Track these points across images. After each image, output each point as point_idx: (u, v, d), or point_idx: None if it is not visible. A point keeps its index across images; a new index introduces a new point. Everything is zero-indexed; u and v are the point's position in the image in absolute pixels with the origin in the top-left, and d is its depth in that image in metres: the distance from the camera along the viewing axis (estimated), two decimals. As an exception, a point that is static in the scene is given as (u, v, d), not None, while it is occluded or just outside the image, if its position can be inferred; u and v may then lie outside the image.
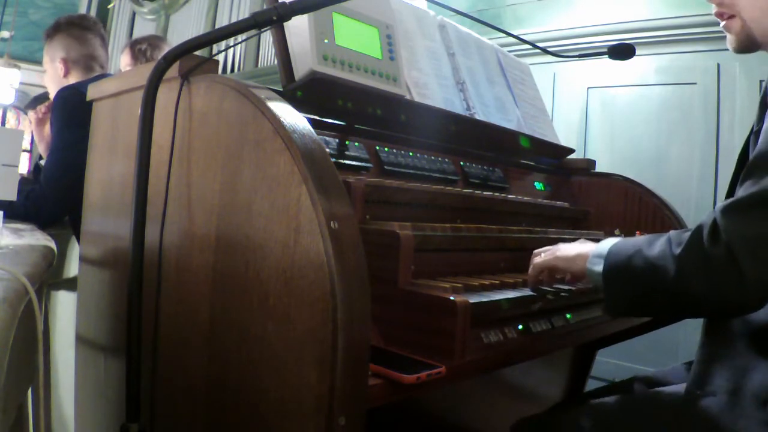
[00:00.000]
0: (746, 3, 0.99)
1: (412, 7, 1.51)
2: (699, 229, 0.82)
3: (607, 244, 0.94)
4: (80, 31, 2.05)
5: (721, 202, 0.84)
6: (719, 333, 0.96)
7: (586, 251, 0.97)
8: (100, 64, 2.10)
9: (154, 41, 2.32)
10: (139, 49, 2.24)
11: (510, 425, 1.17)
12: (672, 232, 0.87)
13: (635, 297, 0.90)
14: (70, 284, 1.87)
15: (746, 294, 0.79)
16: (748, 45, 1.02)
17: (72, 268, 1.90)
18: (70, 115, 1.76)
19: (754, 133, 0.91)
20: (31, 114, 3.00)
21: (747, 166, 0.84)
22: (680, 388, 1.03)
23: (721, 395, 0.90)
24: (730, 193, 1.00)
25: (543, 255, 1.06)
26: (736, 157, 1.02)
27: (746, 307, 0.85)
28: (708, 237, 0.80)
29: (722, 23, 1.04)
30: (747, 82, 2.64)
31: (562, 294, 1.10)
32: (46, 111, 2.05)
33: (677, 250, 0.83)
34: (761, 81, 2.60)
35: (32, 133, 3.07)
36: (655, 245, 0.86)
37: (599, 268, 0.93)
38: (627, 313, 0.96)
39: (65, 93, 1.83)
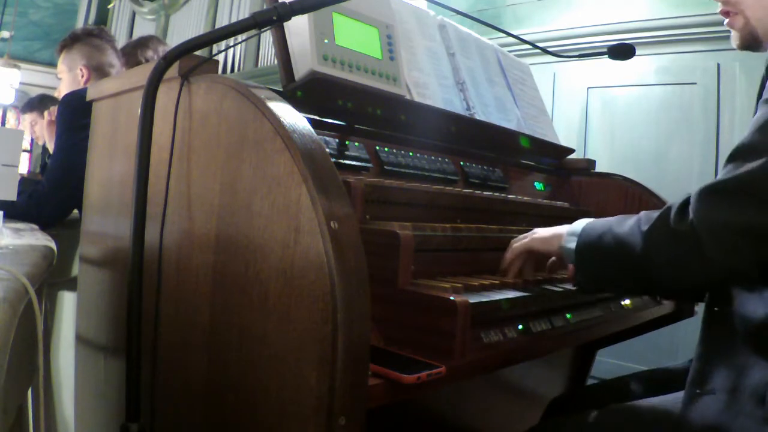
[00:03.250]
0: (751, 1, 1.01)
1: (412, 7, 1.51)
2: (668, 208, 0.85)
3: (582, 223, 0.98)
4: (99, 41, 2.18)
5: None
6: (717, 331, 0.96)
7: (561, 231, 1.01)
8: (116, 72, 2.21)
9: (141, 41, 2.39)
10: (124, 51, 2.32)
11: (508, 428, 1.17)
12: (643, 213, 0.89)
13: (605, 273, 0.94)
14: (76, 284, 1.88)
15: (706, 274, 0.82)
16: (751, 42, 1.04)
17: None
18: (73, 118, 1.82)
19: None
20: (31, 117, 3.03)
21: (731, 151, 0.85)
22: (679, 394, 1.04)
23: (720, 393, 0.90)
24: None
25: (520, 240, 1.10)
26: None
27: (705, 287, 0.89)
28: (675, 215, 0.83)
29: (726, 20, 1.05)
30: (747, 82, 2.64)
31: (561, 289, 1.10)
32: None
33: (645, 227, 0.86)
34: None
35: (32, 134, 3.10)
36: (625, 223, 0.89)
37: (572, 245, 0.97)
38: (597, 289, 1.02)
39: (69, 97, 1.89)
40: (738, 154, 0.83)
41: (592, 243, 0.94)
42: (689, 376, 0.96)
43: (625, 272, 0.90)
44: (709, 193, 0.82)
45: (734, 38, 1.06)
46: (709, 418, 0.89)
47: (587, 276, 0.96)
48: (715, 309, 0.95)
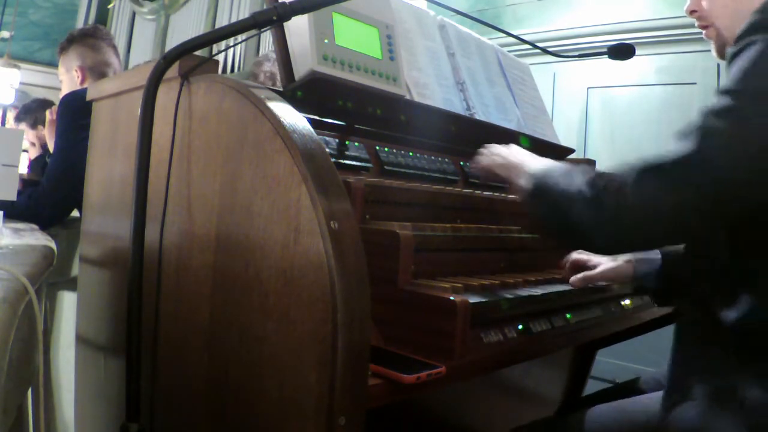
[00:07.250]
0: (719, 12, 1.05)
1: (412, 7, 1.51)
2: (608, 175, 0.85)
3: (540, 165, 1.01)
4: (94, 41, 2.16)
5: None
6: (691, 336, 0.96)
7: (522, 163, 1.05)
8: (114, 71, 2.19)
9: (259, 59, 2.32)
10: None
11: (508, 428, 1.17)
12: (591, 176, 0.89)
13: (549, 219, 0.96)
14: (76, 284, 1.88)
15: (602, 240, 0.85)
16: (725, 52, 1.06)
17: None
18: (73, 118, 1.82)
19: None
20: (24, 127, 3.00)
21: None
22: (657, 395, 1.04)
23: (699, 399, 0.90)
24: None
25: (486, 155, 1.16)
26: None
27: (602, 250, 0.95)
28: (610, 190, 0.84)
29: (704, 33, 1.12)
30: (747, 82, 2.63)
31: (561, 289, 1.10)
32: None
33: (584, 188, 0.87)
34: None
35: (38, 136, 3.06)
36: (573, 182, 0.90)
37: (528, 186, 0.99)
38: (547, 231, 1.04)
39: (69, 98, 1.90)
40: (679, 137, 0.86)
41: (542, 189, 0.96)
42: (667, 381, 0.96)
43: (560, 221, 0.92)
44: (647, 172, 0.83)
45: (712, 49, 1.12)
46: (689, 424, 0.89)
47: (536, 217, 0.99)
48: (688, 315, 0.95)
